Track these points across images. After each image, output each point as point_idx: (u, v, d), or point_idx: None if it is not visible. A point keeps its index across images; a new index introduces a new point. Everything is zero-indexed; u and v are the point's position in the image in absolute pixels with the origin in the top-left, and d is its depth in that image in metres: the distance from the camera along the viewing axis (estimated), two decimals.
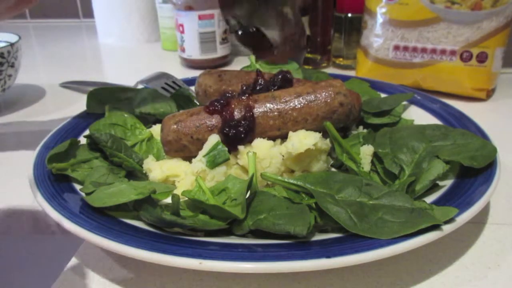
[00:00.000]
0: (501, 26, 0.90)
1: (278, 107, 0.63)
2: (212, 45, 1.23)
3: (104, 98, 0.77)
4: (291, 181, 0.55)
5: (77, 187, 0.57)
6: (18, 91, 1.13)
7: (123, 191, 0.52)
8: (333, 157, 0.66)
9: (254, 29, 1.03)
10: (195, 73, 0.92)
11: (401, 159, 0.59)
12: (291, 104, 0.63)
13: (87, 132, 0.67)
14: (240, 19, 1.02)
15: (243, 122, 0.62)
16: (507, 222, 0.58)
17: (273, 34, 1.04)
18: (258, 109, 0.63)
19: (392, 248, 0.43)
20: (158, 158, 0.68)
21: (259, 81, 0.71)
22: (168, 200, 0.57)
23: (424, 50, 0.97)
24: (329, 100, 0.63)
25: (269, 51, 1.07)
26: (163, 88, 0.92)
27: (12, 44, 0.97)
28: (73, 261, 0.53)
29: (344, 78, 0.89)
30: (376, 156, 0.62)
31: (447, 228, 0.45)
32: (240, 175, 0.62)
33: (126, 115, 0.74)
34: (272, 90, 0.69)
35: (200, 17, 1.19)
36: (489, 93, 0.98)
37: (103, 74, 1.36)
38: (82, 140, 0.66)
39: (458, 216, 0.47)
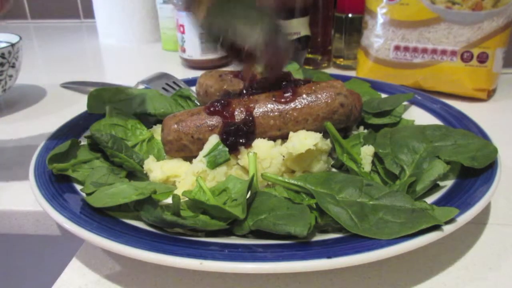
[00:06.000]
0: (502, 26, 0.90)
1: (279, 107, 0.63)
2: (212, 45, 1.23)
3: (105, 98, 0.77)
4: (292, 181, 0.55)
5: (78, 187, 0.57)
6: (19, 92, 1.13)
7: (123, 192, 0.52)
8: (334, 158, 0.66)
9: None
10: (196, 73, 0.92)
11: (401, 160, 0.59)
12: (292, 105, 0.63)
13: (87, 133, 0.67)
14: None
15: (243, 122, 0.62)
16: (508, 223, 0.57)
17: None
18: (259, 109, 0.63)
19: (393, 249, 0.43)
20: (158, 158, 0.68)
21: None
22: (169, 200, 0.57)
23: (424, 50, 0.97)
24: (329, 101, 0.63)
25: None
26: (163, 88, 0.92)
27: (13, 45, 0.97)
28: (74, 261, 0.53)
29: (345, 79, 0.89)
30: (376, 156, 0.62)
31: (447, 229, 0.45)
32: (241, 175, 0.62)
33: (126, 116, 0.74)
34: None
35: None
36: (490, 94, 0.98)
37: (104, 75, 1.36)
38: (83, 141, 0.66)
39: (458, 216, 0.46)
